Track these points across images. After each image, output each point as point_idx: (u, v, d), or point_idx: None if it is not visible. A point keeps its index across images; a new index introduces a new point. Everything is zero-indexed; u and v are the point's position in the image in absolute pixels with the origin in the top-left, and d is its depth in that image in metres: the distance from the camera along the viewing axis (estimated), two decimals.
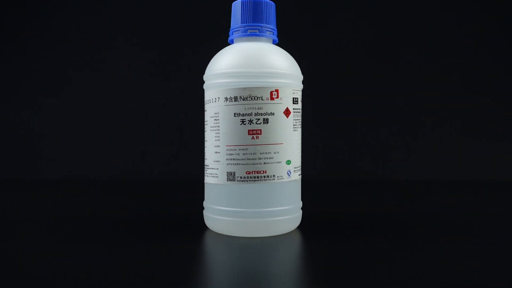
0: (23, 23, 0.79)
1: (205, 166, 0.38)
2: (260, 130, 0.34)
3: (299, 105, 0.37)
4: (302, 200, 0.39)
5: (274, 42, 0.38)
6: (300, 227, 0.38)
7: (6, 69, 0.80)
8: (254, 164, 0.34)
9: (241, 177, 0.34)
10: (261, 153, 0.34)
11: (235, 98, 0.34)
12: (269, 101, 0.34)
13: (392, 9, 0.78)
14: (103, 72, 0.79)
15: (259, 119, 0.34)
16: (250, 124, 0.34)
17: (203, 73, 0.38)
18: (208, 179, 0.37)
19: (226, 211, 0.35)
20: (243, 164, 0.34)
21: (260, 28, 0.36)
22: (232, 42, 0.38)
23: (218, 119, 0.35)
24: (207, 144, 0.37)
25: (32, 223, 0.42)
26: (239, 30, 0.37)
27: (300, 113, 0.37)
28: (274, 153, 0.35)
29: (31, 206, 0.51)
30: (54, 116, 0.79)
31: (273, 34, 0.37)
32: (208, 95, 0.37)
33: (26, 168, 0.78)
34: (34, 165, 0.78)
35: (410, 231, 0.39)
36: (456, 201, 0.56)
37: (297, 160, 0.37)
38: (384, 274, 0.28)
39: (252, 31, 0.36)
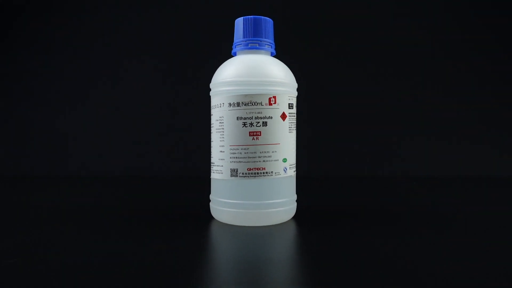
0: (55, 42, 0.81)
1: (211, 164, 0.39)
2: (260, 132, 0.36)
3: (294, 110, 0.39)
4: (296, 193, 0.41)
5: (272, 54, 0.40)
6: (295, 217, 0.40)
7: (40, 82, 0.82)
8: (254, 161, 0.36)
9: (243, 173, 0.36)
10: (260, 152, 0.36)
11: (238, 104, 0.36)
12: (268, 106, 0.36)
13: (379, 19, 0.79)
14: (123, 82, 0.81)
15: (258, 122, 0.36)
16: (251, 126, 0.36)
17: (210, 82, 0.40)
18: (214, 175, 0.39)
19: (229, 203, 0.37)
20: (244, 162, 0.36)
21: (259, 42, 0.38)
22: (235, 54, 0.40)
23: (222, 122, 0.37)
24: (213, 144, 0.39)
25: (52, 216, 0.43)
26: (241, 44, 0.38)
27: (295, 117, 0.39)
28: (272, 152, 0.36)
29: (53, 200, 0.52)
30: (80, 120, 0.81)
31: (271, 47, 0.39)
32: (214, 101, 0.38)
33: (52, 165, 0.79)
34: (59, 162, 0.80)
35: (396, 221, 0.40)
36: (444, 196, 0.56)
37: (292, 158, 0.39)
38: (369, 257, 0.29)
39: (253, 45, 0.38)
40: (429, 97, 0.79)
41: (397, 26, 0.79)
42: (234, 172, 0.36)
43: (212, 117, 0.39)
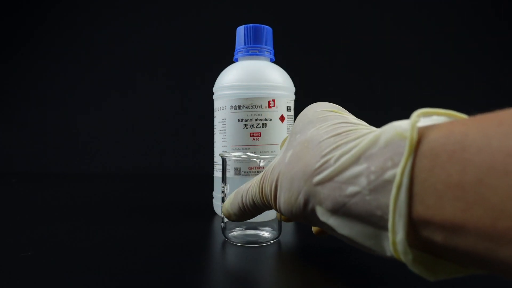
0: (72, 50, 0.82)
1: (214, 163, 0.39)
2: (260, 133, 0.36)
3: (292, 112, 0.39)
4: None
5: (271, 60, 0.40)
6: None
7: (59, 86, 0.82)
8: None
9: (244, 172, 0.36)
10: (260, 152, 0.36)
11: (239, 106, 0.36)
12: (267, 109, 0.36)
13: (373, 26, 0.79)
14: (135, 86, 0.81)
15: (259, 124, 0.36)
16: (252, 128, 0.36)
17: (213, 86, 0.40)
18: (217, 173, 0.39)
19: None
20: (246, 161, 0.36)
21: (259, 48, 0.38)
22: (236, 60, 0.40)
23: (225, 124, 0.37)
24: (216, 144, 0.39)
25: (66, 210, 0.43)
26: (242, 51, 0.38)
27: (293, 119, 0.39)
28: (271, 152, 0.36)
29: (67, 196, 0.52)
30: (95, 122, 0.81)
31: (271, 54, 0.39)
32: (217, 104, 0.38)
33: (67, 163, 0.80)
34: (75, 160, 0.80)
35: None
36: None
37: None
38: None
39: (253, 51, 0.38)
40: (424, 100, 0.79)
41: (391, 32, 0.79)
42: (237, 171, 0.36)
43: (215, 119, 0.39)
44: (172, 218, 0.39)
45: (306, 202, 0.20)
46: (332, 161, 0.18)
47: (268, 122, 0.36)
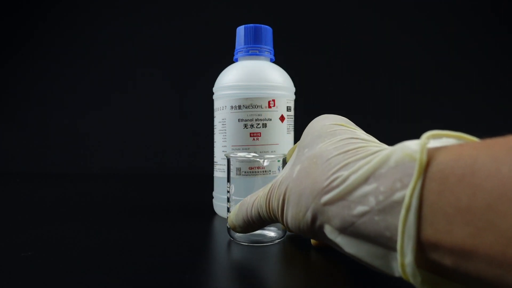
0: (73, 51, 0.82)
1: (214, 163, 0.39)
2: (260, 133, 0.36)
3: (292, 112, 0.39)
4: None
5: (271, 60, 0.40)
6: None
7: (60, 86, 0.82)
8: (255, 161, 0.35)
9: (245, 172, 0.36)
10: (260, 152, 0.36)
11: (239, 107, 0.36)
12: (267, 109, 0.36)
13: (373, 27, 0.79)
14: (136, 87, 0.81)
15: (259, 124, 0.36)
16: (252, 128, 0.36)
17: (213, 86, 0.40)
18: (217, 174, 0.39)
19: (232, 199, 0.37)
20: (246, 161, 0.36)
21: (259, 48, 0.38)
22: (236, 60, 0.40)
23: (225, 124, 0.37)
24: (216, 144, 0.39)
25: (67, 210, 0.43)
26: (242, 51, 0.38)
27: (293, 119, 0.39)
28: (271, 152, 0.36)
29: (69, 196, 0.52)
30: (95, 122, 0.81)
31: (271, 54, 0.39)
32: (217, 104, 0.38)
33: (68, 163, 0.79)
34: (75, 160, 0.80)
35: None
36: None
37: None
38: None
39: (253, 51, 0.38)
40: (424, 100, 0.78)
41: (391, 32, 0.79)
42: (238, 171, 0.36)
43: (215, 119, 0.39)
44: (173, 218, 0.39)
45: (314, 219, 0.20)
46: (340, 180, 0.18)
47: (268, 122, 0.36)
